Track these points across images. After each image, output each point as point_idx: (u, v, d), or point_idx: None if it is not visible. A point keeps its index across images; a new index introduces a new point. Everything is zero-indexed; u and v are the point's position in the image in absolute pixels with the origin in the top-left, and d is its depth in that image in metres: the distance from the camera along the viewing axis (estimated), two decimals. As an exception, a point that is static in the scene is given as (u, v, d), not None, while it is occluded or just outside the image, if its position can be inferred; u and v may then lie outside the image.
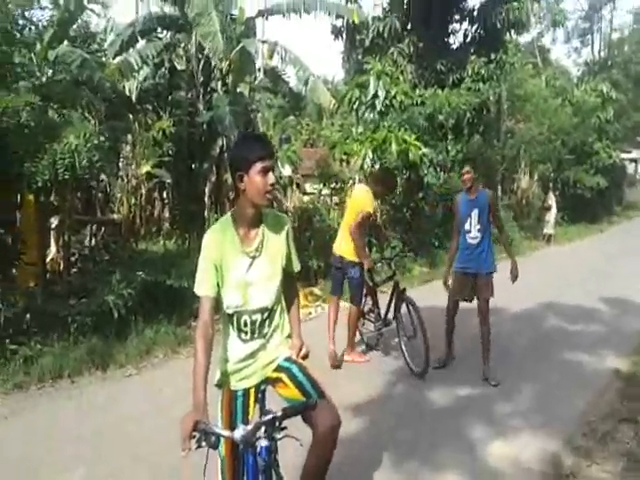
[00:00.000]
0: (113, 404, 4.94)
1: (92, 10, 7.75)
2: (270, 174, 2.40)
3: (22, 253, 6.64)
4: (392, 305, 6.02)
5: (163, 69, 10.65)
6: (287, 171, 10.64)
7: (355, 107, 11.78)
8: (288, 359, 2.61)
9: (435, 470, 3.81)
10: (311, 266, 9.52)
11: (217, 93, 10.31)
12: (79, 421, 4.59)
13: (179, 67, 10.76)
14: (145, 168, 9.15)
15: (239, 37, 9.73)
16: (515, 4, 14.03)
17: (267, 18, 11.22)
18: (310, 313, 8.26)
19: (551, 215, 17.30)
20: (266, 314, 2.56)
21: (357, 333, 6.27)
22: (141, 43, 9.96)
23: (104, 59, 8.23)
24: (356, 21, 11.95)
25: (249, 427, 2.19)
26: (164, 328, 6.62)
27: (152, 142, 9.12)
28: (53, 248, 7.46)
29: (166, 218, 10.65)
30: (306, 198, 11.52)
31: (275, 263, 2.56)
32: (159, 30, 10.58)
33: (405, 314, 5.75)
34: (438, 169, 13.02)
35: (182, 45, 10.54)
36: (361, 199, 5.78)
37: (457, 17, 15.13)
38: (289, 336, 2.70)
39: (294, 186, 11.09)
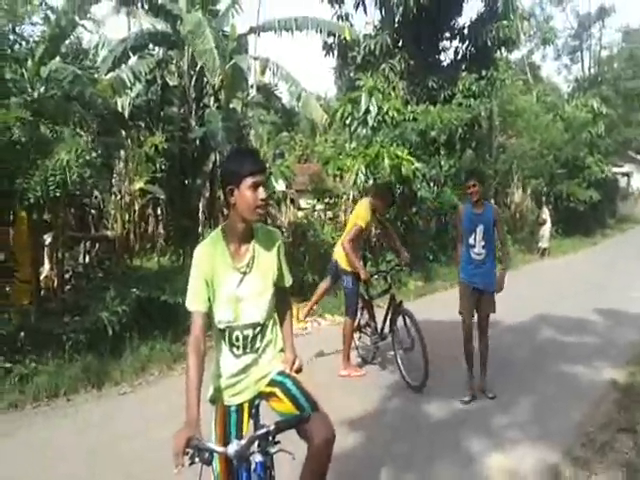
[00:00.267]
0: (108, 422, 4.90)
1: (83, 26, 7.78)
2: (261, 189, 2.40)
3: (15, 270, 6.60)
4: (388, 318, 5.99)
5: (155, 85, 10.66)
6: (281, 186, 10.66)
7: (348, 122, 11.86)
8: (281, 373, 2.59)
9: (432, 484, 3.77)
10: (306, 281, 9.49)
11: (209, 109, 10.33)
12: (74, 440, 4.56)
13: (171, 83, 10.79)
14: (138, 184, 9.12)
15: (231, 53, 9.78)
16: (505, 22, 14.25)
17: (259, 35, 11.30)
18: (306, 328, 8.21)
19: (546, 229, 17.38)
20: (258, 329, 2.54)
21: (352, 346, 6.24)
22: (133, 59, 9.99)
23: (96, 75, 8.24)
24: (348, 38, 12.04)
25: (242, 442, 2.17)
26: (159, 345, 6.59)
27: (145, 158, 9.11)
28: (47, 265, 7.40)
29: (160, 234, 10.60)
30: (300, 213, 11.53)
31: (266, 279, 2.55)
32: (151, 46, 10.63)
33: (402, 327, 5.72)
34: (431, 184, 13.07)
35: (174, 61, 10.58)
36: (357, 212, 5.94)
37: (448, 35, 15.34)
38: (282, 350, 2.68)
39: (288, 201, 11.09)
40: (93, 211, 9.54)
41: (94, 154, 6.30)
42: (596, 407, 5.12)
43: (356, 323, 6.19)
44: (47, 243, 7.48)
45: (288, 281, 2.72)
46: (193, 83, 10.34)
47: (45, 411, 5.19)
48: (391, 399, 5.37)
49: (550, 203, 20.32)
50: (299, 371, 2.66)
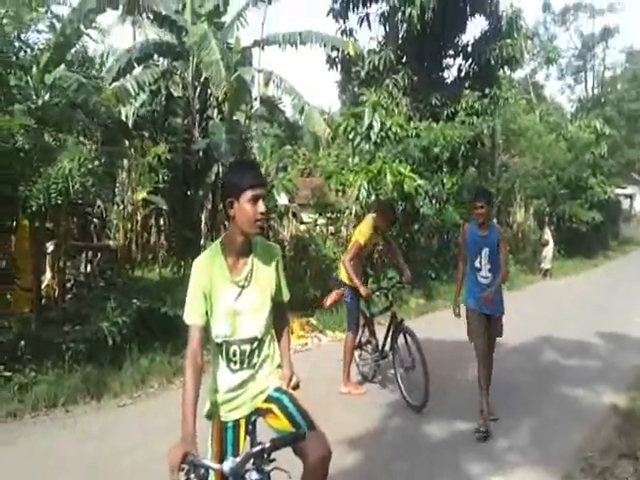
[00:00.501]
0: (107, 434, 4.87)
1: (89, 35, 7.82)
2: (260, 202, 2.38)
3: (17, 278, 6.58)
4: (389, 336, 5.93)
5: (160, 96, 10.70)
6: (283, 200, 10.65)
7: (351, 137, 11.88)
8: (278, 389, 2.56)
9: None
10: (308, 296, 9.44)
11: (213, 121, 10.36)
12: (73, 451, 4.52)
13: (175, 94, 10.83)
14: (141, 194, 9.13)
15: (235, 66, 9.82)
16: (509, 41, 14.36)
17: (263, 48, 11.35)
18: (306, 344, 8.16)
19: (549, 250, 17.29)
20: (255, 344, 2.52)
21: (353, 363, 6.19)
22: (138, 69, 10.03)
23: (101, 84, 8.26)
24: (351, 53, 12.11)
25: (238, 459, 2.14)
26: (159, 357, 6.54)
27: (148, 168, 9.12)
28: (48, 274, 7.40)
29: (162, 245, 10.60)
30: (303, 227, 11.52)
31: (264, 293, 2.53)
32: (156, 57, 10.68)
33: (403, 345, 5.66)
34: (433, 201, 13.07)
35: (179, 72, 10.62)
36: (358, 229, 5.99)
37: (451, 52, 15.46)
38: (279, 366, 2.66)
39: (290, 215, 11.08)
40: (96, 220, 9.55)
41: (97, 163, 6.29)
42: (597, 432, 5.05)
43: (357, 340, 6.13)
44: (49, 251, 7.49)
45: (286, 296, 2.70)
46: (197, 94, 10.38)
47: (44, 421, 5.16)
48: (391, 418, 5.31)
49: (552, 223, 20.31)
50: (296, 388, 2.63)
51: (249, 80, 10.67)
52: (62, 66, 7.40)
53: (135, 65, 9.89)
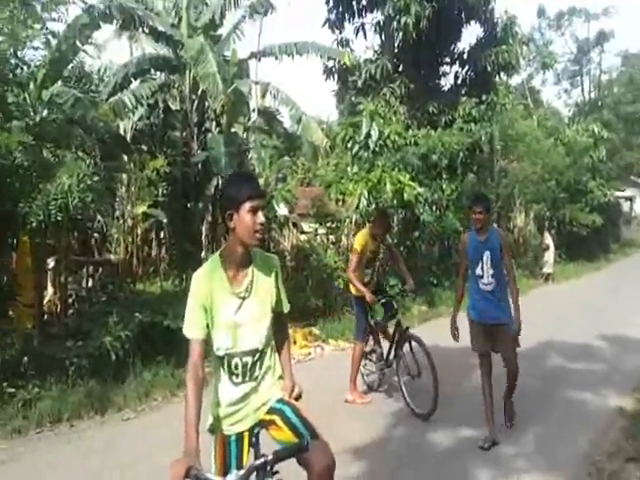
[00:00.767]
0: (112, 448, 4.86)
1: (85, 51, 7.85)
2: (260, 213, 2.40)
3: (18, 294, 6.58)
4: (394, 345, 5.92)
5: (157, 109, 10.74)
6: (283, 210, 10.65)
7: (349, 146, 11.91)
8: (280, 400, 2.55)
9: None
10: (309, 305, 9.43)
11: (211, 133, 10.39)
12: (77, 465, 4.52)
13: (173, 107, 10.86)
14: (141, 208, 9.15)
15: (232, 78, 9.84)
16: (504, 47, 14.43)
17: (260, 60, 11.40)
18: (309, 353, 8.13)
19: (550, 254, 17.28)
20: (257, 356, 2.52)
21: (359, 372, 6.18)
22: (135, 83, 10.07)
23: (97, 99, 8.29)
24: (348, 63, 12.16)
25: (241, 472, 2.12)
26: (162, 370, 6.54)
27: (147, 182, 9.15)
28: (50, 289, 7.40)
29: (163, 258, 10.59)
30: (303, 237, 11.52)
31: (265, 304, 2.53)
32: (152, 71, 10.73)
33: (408, 353, 5.65)
34: (433, 207, 13.08)
35: (176, 85, 10.66)
36: (356, 238, 6.05)
37: (447, 60, 15.54)
38: (281, 377, 2.65)
39: (290, 225, 11.08)
40: (96, 235, 9.55)
41: (96, 178, 6.29)
42: (603, 435, 5.03)
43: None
44: (50, 267, 7.48)
45: (286, 307, 2.70)
46: (195, 107, 10.41)
47: (48, 437, 5.15)
48: (396, 427, 5.28)
49: (553, 228, 20.29)
50: (298, 398, 2.63)
51: (246, 92, 10.70)
52: (59, 82, 7.42)
53: (132, 80, 9.93)
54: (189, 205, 10.50)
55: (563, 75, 49.98)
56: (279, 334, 2.71)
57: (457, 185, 13.38)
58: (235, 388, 2.50)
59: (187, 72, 10.09)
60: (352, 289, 5.94)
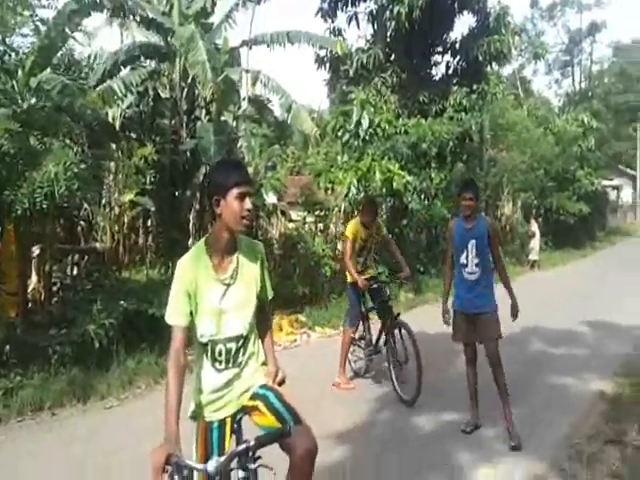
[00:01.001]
0: (94, 436, 4.85)
1: (74, 38, 7.78)
2: (247, 200, 2.41)
3: (2, 282, 6.55)
4: (384, 331, 5.97)
5: (147, 97, 10.65)
6: (272, 199, 10.65)
7: (340, 135, 11.91)
8: (264, 386, 2.56)
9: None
10: (296, 293, 9.47)
11: (201, 121, 10.33)
12: (59, 454, 4.51)
13: (163, 95, 10.76)
14: (128, 196, 9.08)
15: (223, 66, 9.77)
16: (496, 37, 14.41)
17: (251, 48, 11.32)
18: (295, 340, 8.18)
19: (536, 242, 17.48)
20: (241, 342, 2.53)
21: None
22: (125, 71, 9.98)
23: (86, 86, 8.22)
24: (340, 53, 12.11)
25: (222, 459, 2.11)
26: (146, 358, 6.54)
27: (134, 170, 9.09)
28: (34, 278, 7.34)
29: (150, 246, 10.54)
30: (291, 225, 11.54)
31: (250, 290, 2.55)
32: (142, 59, 10.63)
33: (398, 340, 5.72)
34: (422, 196, 13.13)
35: (166, 73, 10.57)
36: (347, 227, 6.16)
37: (439, 49, 15.50)
38: (264, 363, 2.66)
39: (279, 213, 11.09)
40: (82, 223, 9.48)
41: (83, 166, 6.25)
42: (584, 419, 5.13)
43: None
44: (35, 255, 7.42)
45: (270, 294, 2.71)
46: (185, 95, 10.34)
47: (30, 425, 5.14)
48: (380, 412, 5.35)
49: (540, 216, 20.45)
50: (282, 383, 2.64)
51: (237, 80, 10.64)
52: (48, 69, 7.33)
53: (121, 67, 9.83)
54: (177, 193, 10.44)
55: (554, 65, 50.14)
56: (262, 320, 2.72)
57: (446, 174, 13.43)
58: (218, 374, 2.51)
59: (177, 60, 10.00)
60: (348, 277, 6.01)
